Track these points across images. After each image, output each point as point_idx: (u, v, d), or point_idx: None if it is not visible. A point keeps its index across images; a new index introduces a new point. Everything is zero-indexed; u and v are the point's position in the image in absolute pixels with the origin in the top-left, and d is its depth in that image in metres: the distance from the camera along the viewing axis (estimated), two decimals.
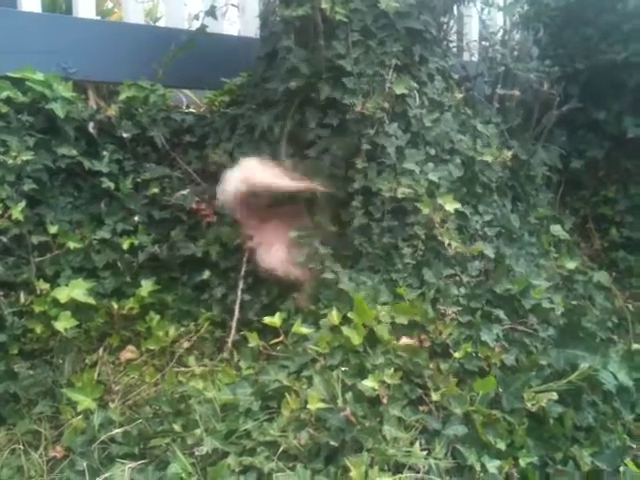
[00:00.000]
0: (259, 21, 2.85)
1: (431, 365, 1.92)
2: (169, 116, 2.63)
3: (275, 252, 2.33)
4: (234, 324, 2.31)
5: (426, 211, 2.20)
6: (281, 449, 1.68)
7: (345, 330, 1.93)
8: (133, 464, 1.66)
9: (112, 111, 2.51)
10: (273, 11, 2.67)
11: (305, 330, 2.01)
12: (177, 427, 1.78)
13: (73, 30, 2.67)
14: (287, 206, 2.43)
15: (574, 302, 2.39)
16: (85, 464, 1.67)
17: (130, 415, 1.92)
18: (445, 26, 2.77)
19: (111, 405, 1.97)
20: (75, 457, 1.70)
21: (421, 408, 1.83)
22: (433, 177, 2.28)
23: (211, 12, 2.79)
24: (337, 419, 1.73)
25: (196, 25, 2.80)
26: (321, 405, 1.75)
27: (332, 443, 1.69)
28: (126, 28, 2.87)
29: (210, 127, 2.68)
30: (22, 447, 1.77)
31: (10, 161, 2.15)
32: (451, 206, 2.24)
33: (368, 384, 1.80)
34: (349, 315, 1.97)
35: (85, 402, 1.90)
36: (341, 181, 2.34)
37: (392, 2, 2.37)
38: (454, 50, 2.96)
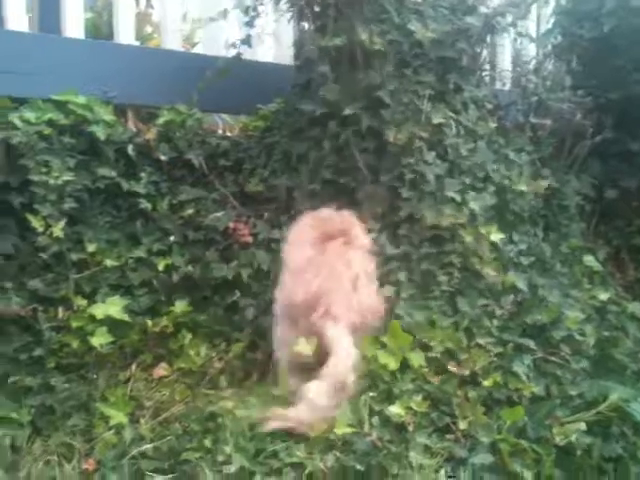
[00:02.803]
0: (293, 49, 2.91)
1: (459, 393, 1.93)
2: (205, 140, 2.68)
3: None
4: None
5: (469, 240, 2.22)
6: (307, 471, 1.70)
7: (381, 355, 1.95)
8: (162, 478, 1.69)
9: (151, 134, 2.57)
10: (308, 40, 2.73)
11: None
12: (208, 443, 1.80)
13: (114, 55, 2.76)
14: None
15: (606, 333, 2.37)
16: (115, 478, 1.71)
17: (160, 431, 1.95)
18: (479, 55, 2.80)
19: (142, 421, 2.00)
20: (106, 471, 1.74)
21: (448, 436, 1.84)
22: (474, 206, 2.30)
23: (247, 41, 2.86)
24: (363, 443, 1.74)
25: (232, 51, 2.88)
26: (348, 429, 1.77)
27: (358, 467, 1.70)
28: (165, 54, 2.96)
29: (245, 152, 2.73)
30: (56, 458, 1.80)
31: (52, 181, 2.21)
32: (495, 236, 2.26)
33: (395, 410, 1.81)
34: (384, 340, 1.99)
35: (117, 417, 1.94)
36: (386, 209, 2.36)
37: (428, 32, 2.41)
38: (487, 79, 2.98)
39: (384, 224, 2.36)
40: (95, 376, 2.16)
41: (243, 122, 2.95)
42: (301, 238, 2.08)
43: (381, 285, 2.21)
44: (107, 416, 1.95)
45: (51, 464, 1.75)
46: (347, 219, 2.15)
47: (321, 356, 1.83)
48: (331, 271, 1.93)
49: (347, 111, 2.39)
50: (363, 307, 1.92)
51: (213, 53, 3.11)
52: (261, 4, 2.74)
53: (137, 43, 3.04)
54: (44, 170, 2.22)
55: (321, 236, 2.05)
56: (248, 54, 2.94)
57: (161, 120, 2.63)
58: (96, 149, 2.39)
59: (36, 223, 2.15)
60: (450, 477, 1.72)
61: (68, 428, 1.93)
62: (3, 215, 2.15)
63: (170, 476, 1.70)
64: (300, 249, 2.03)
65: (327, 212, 2.19)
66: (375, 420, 1.80)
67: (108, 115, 2.46)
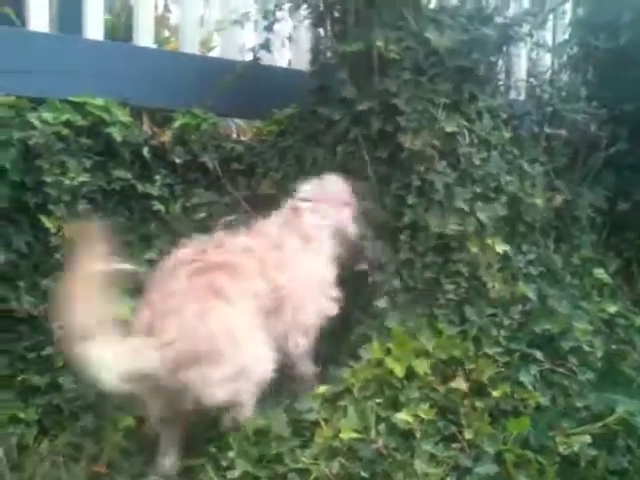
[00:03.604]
0: (310, 54, 2.92)
1: (466, 402, 1.93)
2: (219, 144, 2.71)
3: None
4: None
5: (475, 250, 2.22)
6: (312, 477, 1.71)
7: (388, 361, 1.96)
8: None
9: (166, 137, 2.60)
10: (325, 45, 2.75)
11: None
12: (212, 449, 1.81)
13: (132, 57, 2.79)
14: None
15: (614, 346, 2.36)
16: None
17: None
18: (495, 65, 2.80)
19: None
20: (114, 473, 1.76)
21: (454, 445, 1.84)
22: (481, 216, 2.30)
23: (265, 45, 2.88)
24: (369, 450, 1.75)
25: (248, 55, 2.90)
26: (354, 435, 1.77)
27: (363, 474, 1.71)
28: (182, 57, 2.99)
29: (259, 156, 2.75)
30: (62, 459, 1.81)
31: (67, 182, 2.25)
32: (500, 247, 2.26)
33: (402, 417, 1.82)
34: (390, 346, 2.00)
35: (126, 419, 1.96)
36: (391, 214, 2.37)
37: (444, 40, 2.42)
38: (502, 89, 2.98)
39: (384, 230, 2.36)
40: None
41: (257, 127, 2.97)
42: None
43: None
44: (116, 418, 1.96)
45: (57, 465, 1.76)
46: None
47: None
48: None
49: (361, 107, 2.40)
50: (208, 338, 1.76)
51: (229, 57, 3.14)
52: (280, 9, 2.76)
53: (155, 46, 3.06)
54: (59, 171, 2.25)
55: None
56: (264, 59, 2.96)
57: (176, 123, 2.66)
58: (112, 150, 2.43)
59: (49, 223, 2.18)
60: None
61: (77, 428, 1.94)
62: (18, 214, 2.18)
63: None
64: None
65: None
66: (382, 427, 1.80)
67: (125, 117, 2.49)
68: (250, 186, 2.69)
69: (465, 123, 2.44)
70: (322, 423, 1.85)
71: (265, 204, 2.60)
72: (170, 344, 1.69)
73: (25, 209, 2.20)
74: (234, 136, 2.96)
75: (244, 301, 1.87)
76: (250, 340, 1.84)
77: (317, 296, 2.12)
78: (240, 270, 1.92)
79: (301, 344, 2.08)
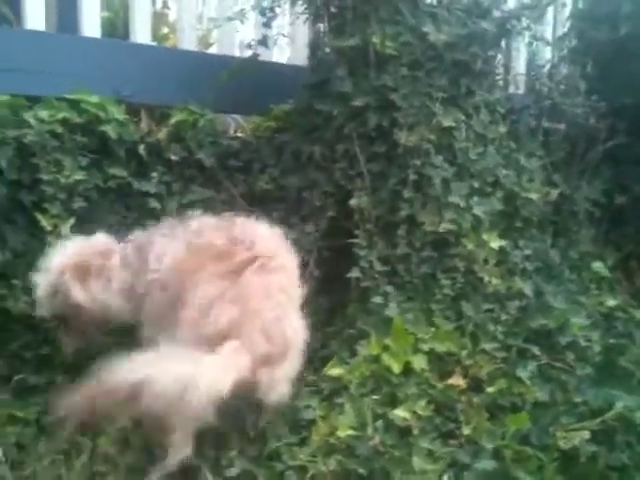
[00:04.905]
0: (308, 50, 2.91)
1: (463, 398, 1.92)
2: (216, 140, 2.69)
3: None
4: None
5: (470, 247, 2.22)
6: (310, 474, 1.71)
7: (385, 358, 1.95)
8: None
9: (162, 134, 2.59)
10: (323, 41, 2.74)
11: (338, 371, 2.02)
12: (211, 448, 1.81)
13: (129, 55, 2.78)
14: None
15: (613, 340, 2.36)
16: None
17: None
18: (493, 59, 2.79)
19: None
20: (114, 470, 1.75)
21: (451, 441, 1.84)
22: (477, 211, 2.29)
23: (263, 42, 2.87)
24: (366, 448, 1.74)
25: (246, 51, 2.88)
26: (351, 432, 1.77)
27: (360, 471, 1.70)
28: (180, 54, 2.97)
29: (256, 153, 2.74)
30: (62, 457, 1.80)
31: (63, 180, 2.24)
32: (495, 243, 2.26)
33: (399, 414, 1.82)
34: (387, 342, 1.99)
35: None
36: (387, 209, 2.36)
37: (441, 35, 2.41)
38: (500, 83, 2.97)
39: (381, 225, 2.35)
40: None
41: (255, 122, 2.96)
42: (205, 269, 1.79)
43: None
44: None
45: (57, 463, 1.76)
46: (258, 238, 1.88)
47: None
48: (245, 304, 1.73)
49: (358, 102, 2.39)
50: (282, 339, 1.73)
51: (227, 53, 3.13)
52: (278, 6, 2.75)
53: (153, 43, 3.05)
54: (55, 169, 2.25)
55: (230, 267, 1.79)
56: (263, 55, 2.95)
57: (173, 120, 2.64)
58: (108, 148, 2.41)
59: (45, 222, 2.17)
60: None
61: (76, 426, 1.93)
62: (14, 213, 2.18)
63: None
64: (205, 284, 1.77)
65: (230, 230, 1.89)
66: (379, 424, 1.80)
67: (120, 114, 2.48)
68: (247, 182, 2.68)
69: (462, 117, 2.43)
70: (319, 421, 1.84)
71: (262, 201, 2.61)
72: (254, 345, 1.67)
73: (21, 207, 2.19)
74: (231, 132, 2.95)
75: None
76: None
77: None
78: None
79: None
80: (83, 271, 1.94)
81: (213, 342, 1.63)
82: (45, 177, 2.20)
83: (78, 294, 1.92)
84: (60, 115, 2.35)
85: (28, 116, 2.29)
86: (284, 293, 1.80)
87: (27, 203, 2.19)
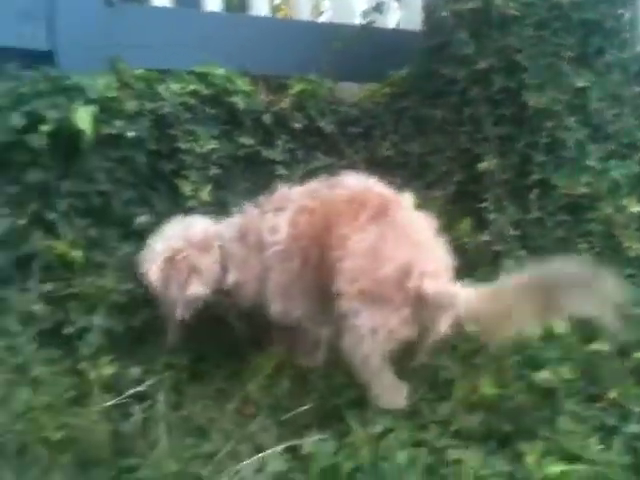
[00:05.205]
0: (422, 14, 2.88)
1: (608, 364, 1.89)
2: (336, 108, 2.72)
3: None
4: None
5: (608, 211, 2.16)
6: (453, 428, 1.72)
7: None
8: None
9: (284, 103, 2.64)
10: (439, 4, 2.70)
11: None
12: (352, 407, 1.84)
13: (248, 27, 2.84)
14: None
15: None
16: None
17: None
18: (621, 17, 2.67)
19: None
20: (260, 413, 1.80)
21: (597, 404, 1.81)
22: (615, 174, 2.22)
23: (378, 8, 2.87)
24: (510, 404, 1.74)
25: (359, 18, 2.88)
26: (494, 390, 1.77)
27: (506, 428, 1.70)
28: (296, 25, 3.03)
29: (375, 119, 2.75)
30: (212, 403, 1.85)
31: (198, 149, 2.33)
32: (635, 208, 2.18)
33: (542, 376, 1.80)
34: None
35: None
36: (516, 173, 2.33)
37: None
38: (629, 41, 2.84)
39: (509, 190, 2.32)
40: None
41: (370, 89, 2.96)
42: (349, 221, 1.80)
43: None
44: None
45: (209, 406, 1.83)
46: (375, 190, 1.90)
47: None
48: (410, 239, 1.77)
49: (481, 65, 2.37)
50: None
51: (340, 21, 3.14)
52: None
53: (269, 15, 3.10)
54: (190, 138, 2.33)
55: (372, 214, 1.81)
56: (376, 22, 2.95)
57: (294, 90, 2.69)
58: (236, 119, 2.48)
59: (185, 188, 2.26)
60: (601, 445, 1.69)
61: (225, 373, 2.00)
62: (156, 180, 2.28)
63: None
64: (356, 232, 1.78)
65: (351, 188, 1.90)
66: (521, 384, 1.79)
67: (246, 86, 2.55)
68: (368, 149, 2.69)
69: (593, 78, 2.36)
70: (458, 380, 1.85)
71: (383, 166, 2.62)
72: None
73: (162, 175, 2.29)
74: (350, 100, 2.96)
75: None
76: None
77: None
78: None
79: None
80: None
81: (394, 281, 1.71)
82: (183, 146, 2.29)
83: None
84: (190, 87, 2.44)
85: (161, 89, 2.38)
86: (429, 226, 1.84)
87: (167, 171, 2.29)
